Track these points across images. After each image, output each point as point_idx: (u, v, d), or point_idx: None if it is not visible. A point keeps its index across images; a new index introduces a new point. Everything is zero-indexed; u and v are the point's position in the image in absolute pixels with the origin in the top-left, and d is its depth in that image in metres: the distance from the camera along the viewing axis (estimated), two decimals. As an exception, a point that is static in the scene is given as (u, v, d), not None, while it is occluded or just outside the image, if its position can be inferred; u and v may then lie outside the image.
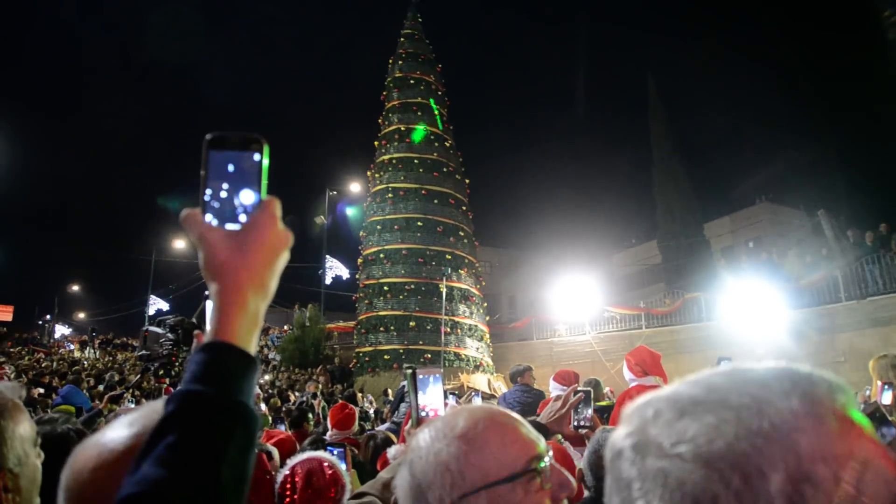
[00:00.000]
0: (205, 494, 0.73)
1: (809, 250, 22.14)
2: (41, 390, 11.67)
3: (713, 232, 35.07)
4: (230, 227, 0.88)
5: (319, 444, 4.62)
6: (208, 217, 0.88)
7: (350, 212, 30.80)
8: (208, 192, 0.89)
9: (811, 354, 17.99)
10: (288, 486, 2.35)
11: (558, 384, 5.61)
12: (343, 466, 3.14)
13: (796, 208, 34.99)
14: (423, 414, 2.46)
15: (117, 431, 1.01)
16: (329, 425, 5.98)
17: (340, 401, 7.93)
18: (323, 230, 30.89)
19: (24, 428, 1.26)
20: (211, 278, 0.86)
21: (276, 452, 3.93)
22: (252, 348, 0.86)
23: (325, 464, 2.43)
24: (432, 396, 2.50)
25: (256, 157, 0.90)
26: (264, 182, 0.90)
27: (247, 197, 0.89)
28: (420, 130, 23.87)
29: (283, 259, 0.91)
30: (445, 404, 2.72)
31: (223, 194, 0.89)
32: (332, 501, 2.30)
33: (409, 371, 2.50)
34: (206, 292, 0.90)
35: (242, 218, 0.89)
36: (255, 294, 0.87)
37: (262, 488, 2.88)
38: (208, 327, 0.86)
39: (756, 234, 35.49)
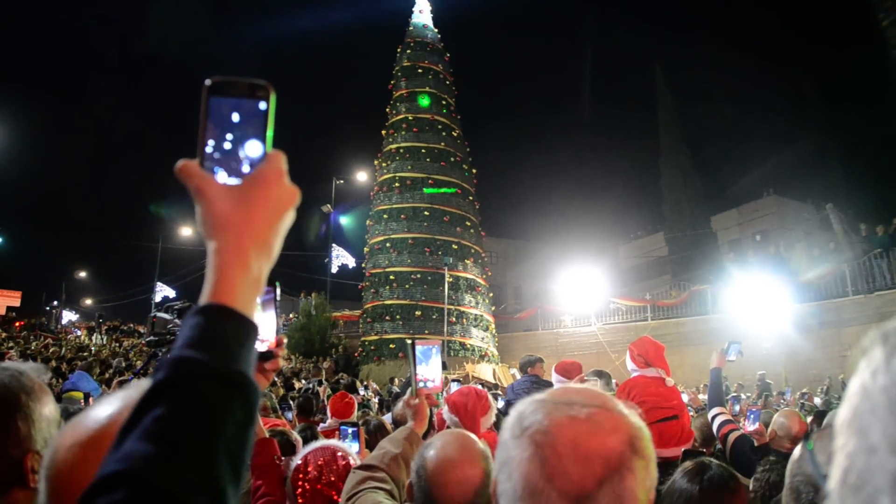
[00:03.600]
0: (197, 474, 0.65)
1: (817, 244, 22.09)
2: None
3: (720, 225, 35.00)
4: (232, 180, 0.81)
5: (309, 431, 4.64)
6: (208, 170, 0.81)
7: (356, 201, 30.81)
8: (208, 142, 0.82)
9: (817, 348, 17.96)
10: (300, 475, 2.35)
11: (560, 376, 5.60)
12: (356, 448, 3.15)
13: (804, 202, 34.89)
14: (422, 385, 2.47)
15: (97, 410, 0.99)
16: (329, 413, 6.03)
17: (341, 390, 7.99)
18: (329, 219, 30.91)
19: (50, 409, 1.27)
20: (209, 235, 0.79)
21: (300, 442, 3.95)
22: (253, 314, 0.78)
23: (339, 454, 2.43)
24: (432, 367, 2.51)
25: (262, 105, 0.83)
26: (270, 133, 0.83)
27: (250, 149, 0.82)
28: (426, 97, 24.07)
29: (289, 218, 0.84)
30: (444, 379, 2.74)
31: (224, 145, 0.82)
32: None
33: (410, 342, 2.50)
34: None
35: (246, 171, 0.82)
36: (258, 254, 0.80)
37: (271, 474, 2.89)
38: (204, 288, 0.77)
39: (763, 227, 35.35)
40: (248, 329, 0.76)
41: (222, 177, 0.81)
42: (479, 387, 3.77)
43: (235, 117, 0.82)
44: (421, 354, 2.49)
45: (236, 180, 0.81)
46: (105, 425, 0.96)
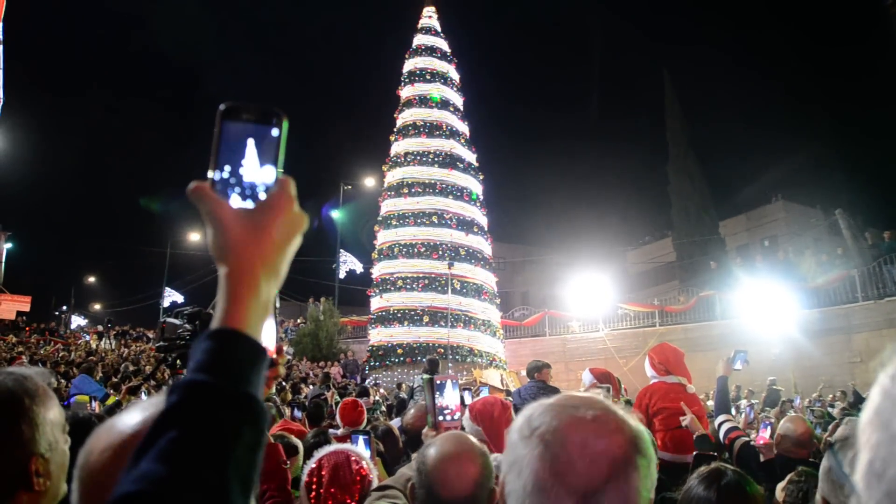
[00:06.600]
0: (208, 495, 0.68)
1: (826, 249, 21.98)
2: (61, 381, 11.81)
3: (728, 230, 34.86)
4: (243, 204, 0.82)
5: (322, 436, 4.67)
6: (220, 193, 0.82)
7: (363, 206, 30.86)
8: (220, 166, 0.83)
9: (826, 354, 17.87)
10: (314, 478, 2.38)
11: (595, 378, 5.61)
12: (367, 455, 3.18)
13: (812, 207, 34.70)
14: (441, 418, 2.53)
15: (129, 416, 1.02)
16: (339, 421, 5.99)
17: (352, 397, 7.96)
18: (335, 224, 30.98)
19: (54, 413, 1.29)
20: (220, 260, 0.80)
21: (300, 447, 4.01)
22: (262, 338, 0.80)
23: (353, 457, 2.46)
24: (449, 398, 2.56)
25: (275, 132, 0.85)
26: (281, 159, 0.85)
27: (262, 174, 0.84)
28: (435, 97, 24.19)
29: (297, 243, 0.86)
30: (459, 407, 2.78)
31: (236, 169, 0.83)
32: (357, 495, 2.33)
33: (427, 378, 2.55)
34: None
35: (257, 196, 0.83)
36: (268, 279, 0.82)
37: (275, 478, 2.91)
38: (216, 313, 0.80)
39: (772, 232, 35.23)
40: (258, 353, 0.79)
41: (233, 200, 0.82)
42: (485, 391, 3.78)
43: (248, 142, 0.84)
44: (437, 387, 2.53)
45: (247, 204, 0.82)
46: (137, 431, 0.99)
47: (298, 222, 0.85)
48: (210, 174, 0.83)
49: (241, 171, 0.83)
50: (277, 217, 0.82)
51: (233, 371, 0.75)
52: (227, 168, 0.83)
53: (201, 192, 0.81)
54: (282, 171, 0.85)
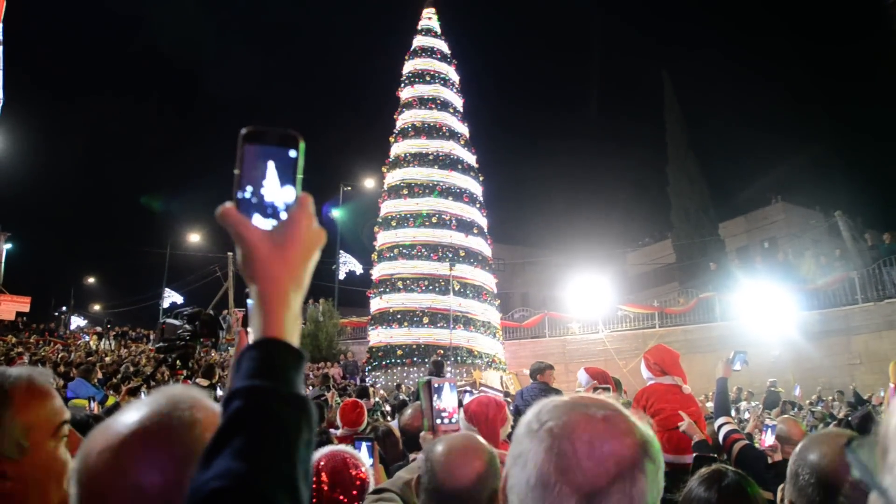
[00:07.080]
0: (287, 487, 0.74)
1: (825, 251, 21.99)
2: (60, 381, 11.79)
3: (728, 232, 34.85)
4: (266, 223, 0.88)
5: (324, 436, 4.66)
6: (244, 213, 0.87)
7: (363, 207, 30.88)
8: (244, 187, 0.88)
9: (826, 356, 17.86)
10: (314, 483, 2.38)
11: (590, 377, 5.63)
12: (370, 462, 3.17)
13: (812, 209, 34.67)
14: (439, 421, 2.54)
15: (126, 416, 1.02)
16: (340, 423, 5.98)
17: (352, 398, 7.94)
18: (336, 225, 31.00)
19: (36, 415, 1.25)
20: (251, 278, 0.87)
21: None
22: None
23: (350, 461, 2.46)
24: (446, 400, 2.57)
25: (293, 153, 0.90)
26: (299, 179, 0.90)
27: (282, 193, 0.89)
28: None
29: (317, 256, 0.92)
30: (456, 409, 2.79)
31: (258, 190, 0.89)
32: (356, 499, 2.34)
33: (425, 380, 2.57)
34: (246, 290, 0.89)
35: (279, 215, 0.88)
36: (295, 292, 0.88)
37: None
38: (252, 326, 0.86)
39: (771, 234, 35.20)
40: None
41: (257, 220, 0.88)
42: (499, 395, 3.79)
43: (268, 164, 0.89)
44: (434, 390, 2.55)
45: (271, 223, 0.88)
46: (134, 431, 0.98)
47: (318, 238, 0.91)
48: (234, 196, 0.88)
49: (263, 191, 0.89)
50: (299, 235, 0.88)
51: (282, 375, 0.82)
52: (250, 189, 0.88)
53: (230, 215, 0.87)
54: (300, 190, 0.90)
